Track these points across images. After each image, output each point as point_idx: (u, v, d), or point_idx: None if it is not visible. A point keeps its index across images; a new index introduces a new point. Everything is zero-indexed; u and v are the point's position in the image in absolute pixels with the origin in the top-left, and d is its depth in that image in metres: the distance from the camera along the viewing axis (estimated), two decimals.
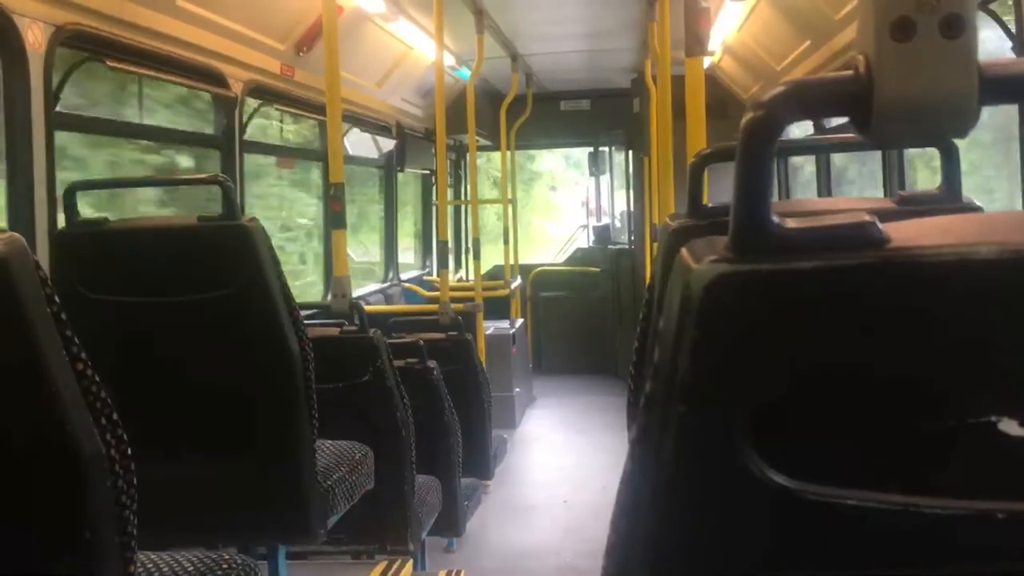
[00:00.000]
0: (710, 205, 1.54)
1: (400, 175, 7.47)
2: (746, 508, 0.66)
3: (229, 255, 2.27)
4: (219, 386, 2.33)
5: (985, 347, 0.62)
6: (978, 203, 1.49)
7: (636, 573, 0.69)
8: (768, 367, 0.64)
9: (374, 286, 7.05)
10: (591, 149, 9.64)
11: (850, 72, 0.62)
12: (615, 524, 0.78)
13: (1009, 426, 0.63)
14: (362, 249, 7.45)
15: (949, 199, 1.48)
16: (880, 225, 0.63)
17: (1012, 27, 2.94)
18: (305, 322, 2.48)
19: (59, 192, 2.78)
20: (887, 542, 0.64)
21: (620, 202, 9.60)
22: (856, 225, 0.62)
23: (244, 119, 4.35)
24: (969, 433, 0.63)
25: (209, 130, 4.31)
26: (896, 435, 0.64)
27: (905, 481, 0.64)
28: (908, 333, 0.62)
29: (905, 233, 0.65)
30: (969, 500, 0.63)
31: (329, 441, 2.76)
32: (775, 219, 0.64)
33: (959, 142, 1.45)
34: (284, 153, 5.50)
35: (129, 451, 1.37)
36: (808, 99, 0.64)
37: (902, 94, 0.60)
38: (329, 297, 3.43)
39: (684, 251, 0.69)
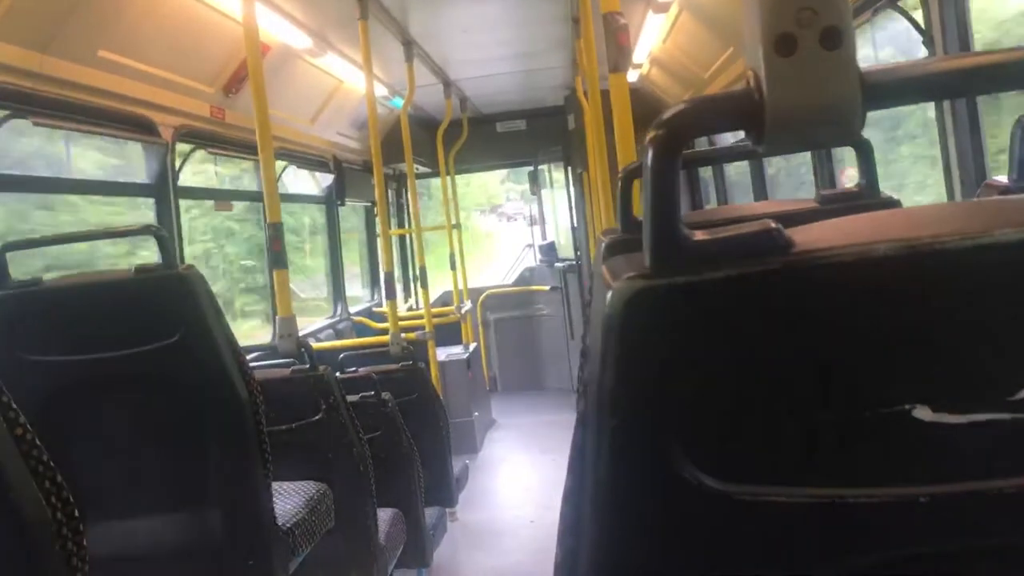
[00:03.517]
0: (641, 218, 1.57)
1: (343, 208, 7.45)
2: (684, 515, 0.67)
3: (168, 305, 2.24)
4: (168, 438, 2.30)
5: (891, 338, 0.65)
6: (895, 197, 1.54)
7: None
8: (692, 376, 0.66)
9: (323, 322, 7.00)
10: (531, 168, 9.71)
11: (742, 88, 0.64)
12: (561, 541, 0.79)
13: (923, 412, 0.65)
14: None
15: (868, 195, 1.53)
16: (784, 231, 0.66)
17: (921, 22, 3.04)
18: (254, 364, 2.45)
19: None
20: (819, 534, 0.66)
21: (564, 218, 9.67)
22: (761, 233, 0.65)
23: (177, 165, 4.30)
24: (886, 422, 0.66)
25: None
26: (818, 430, 0.67)
27: (832, 474, 0.67)
28: (818, 331, 0.65)
29: (809, 236, 0.68)
30: (892, 487, 0.65)
31: (286, 483, 2.73)
32: (686, 232, 0.66)
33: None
34: (221, 196, 5.45)
35: (76, 513, 1.35)
36: (706, 116, 0.66)
37: (790, 106, 0.63)
38: (276, 338, 3.40)
39: (604, 269, 0.71)
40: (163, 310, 2.25)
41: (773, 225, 0.65)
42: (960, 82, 0.66)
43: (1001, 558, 0.66)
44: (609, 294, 0.66)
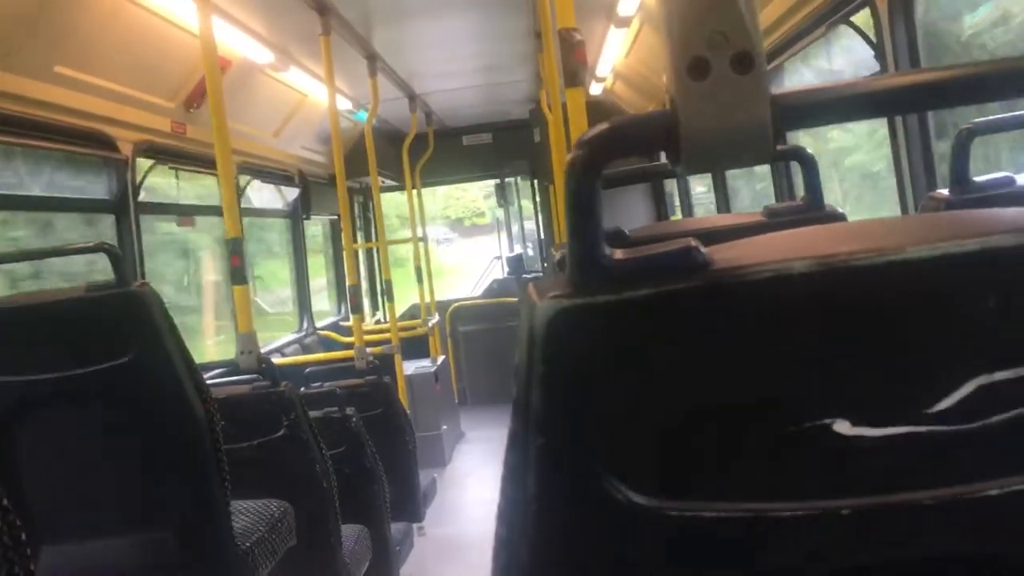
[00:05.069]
0: None
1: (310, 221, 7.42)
2: (612, 531, 0.68)
3: (122, 323, 2.22)
4: (123, 458, 2.27)
5: (809, 354, 0.66)
6: (840, 210, 1.57)
7: None
8: (614, 393, 0.67)
9: (289, 337, 6.95)
10: (497, 181, 9.73)
11: (661, 110, 0.66)
12: (495, 558, 0.80)
13: (842, 427, 0.67)
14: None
15: (812, 208, 1.55)
16: (703, 249, 0.67)
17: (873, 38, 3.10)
18: (217, 382, 2.42)
19: None
20: (744, 548, 0.67)
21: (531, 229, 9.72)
22: (679, 251, 0.66)
23: (137, 181, 4.27)
24: (807, 437, 0.67)
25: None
26: (740, 445, 0.68)
27: (756, 489, 0.68)
28: (735, 349, 0.66)
29: (731, 254, 0.69)
30: (815, 501, 0.67)
31: (246, 501, 2.71)
32: (606, 252, 0.67)
33: None
34: (184, 211, 5.40)
35: (24, 537, 1.33)
36: (626, 137, 0.67)
37: (704, 128, 0.64)
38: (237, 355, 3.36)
39: (530, 287, 0.72)
40: (116, 328, 2.22)
41: (692, 243, 0.66)
42: (870, 104, 0.67)
43: (921, 570, 0.67)
44: (533, 313, 0.67)
